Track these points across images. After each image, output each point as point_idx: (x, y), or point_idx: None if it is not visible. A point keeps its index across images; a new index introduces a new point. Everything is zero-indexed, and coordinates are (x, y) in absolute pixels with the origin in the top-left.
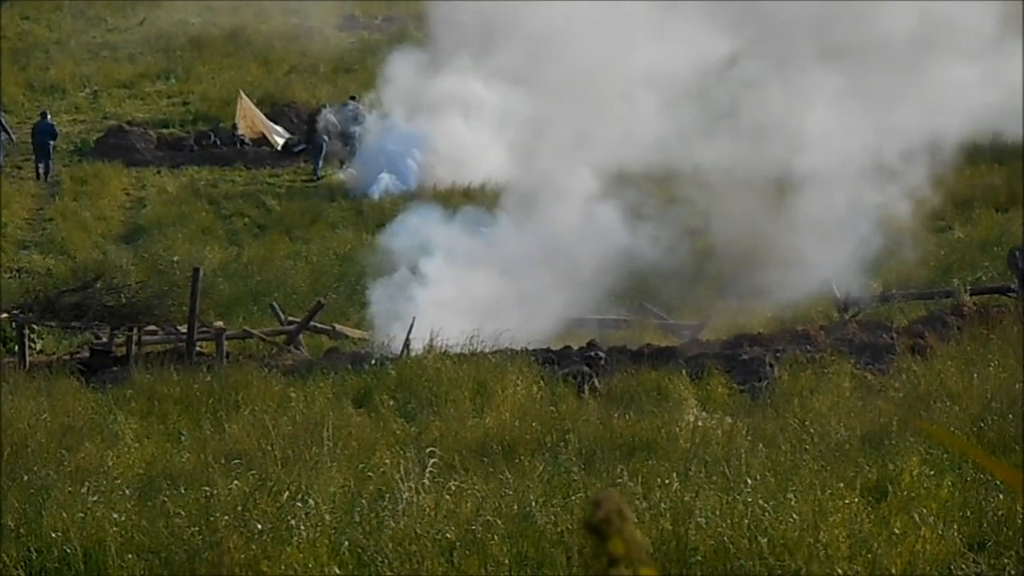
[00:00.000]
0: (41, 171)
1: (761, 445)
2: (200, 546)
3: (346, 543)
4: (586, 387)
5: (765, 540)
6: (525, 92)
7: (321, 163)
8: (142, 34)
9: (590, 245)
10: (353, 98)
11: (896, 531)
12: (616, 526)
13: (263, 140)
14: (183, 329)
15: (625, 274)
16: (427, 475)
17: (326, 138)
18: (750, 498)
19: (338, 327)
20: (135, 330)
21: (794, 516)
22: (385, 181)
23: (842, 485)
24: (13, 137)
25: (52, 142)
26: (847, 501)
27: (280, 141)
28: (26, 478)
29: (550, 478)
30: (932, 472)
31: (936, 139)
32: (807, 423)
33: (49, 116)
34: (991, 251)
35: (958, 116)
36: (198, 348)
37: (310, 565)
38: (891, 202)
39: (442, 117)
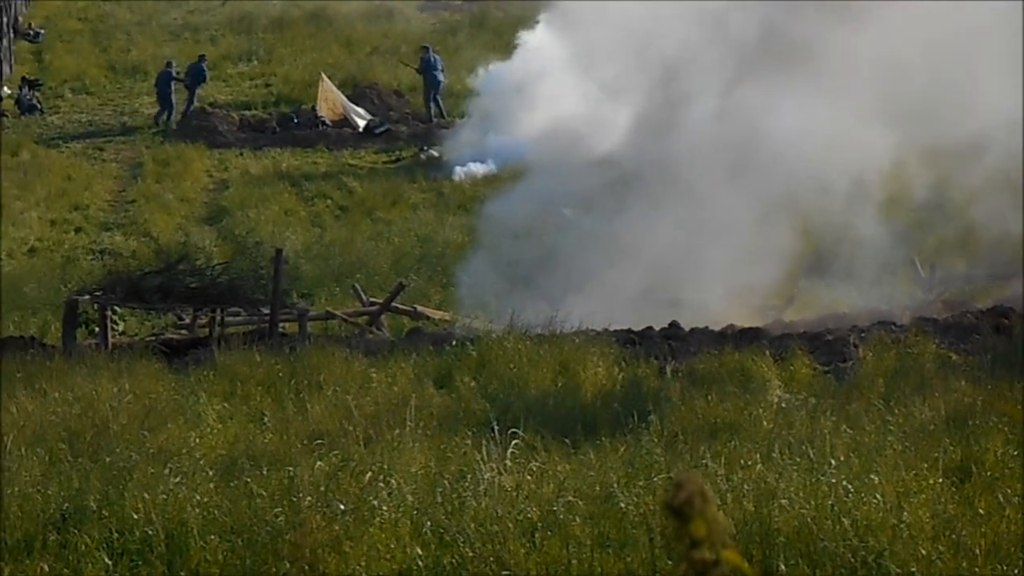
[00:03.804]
0: (186, 108)
1: (845, 426)
2: (283, 527)
3: (428, 523)
4: (668, 368)
5: (848, 521)
6: None
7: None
8: (224, 15)
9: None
10: (426, 48)
11: (980, 511)
12: (698, 508)
13: (344, 122)
14: (266, 310)
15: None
16: (508, 456)
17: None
18: (834, 479)
19: (420, 308)
20: (218, 311)
21: (878, 497)
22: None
23: (926, 466)
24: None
25: (201, 84)
26: (931, 482)
27: (361, 123)
28: (108, 460)
29: (632, 459)
30: (1016, 452)
31: None
32: (891, 404)
33: (205, 62)
34: None
35: None
36: (281, 329)
37: (392, 545)
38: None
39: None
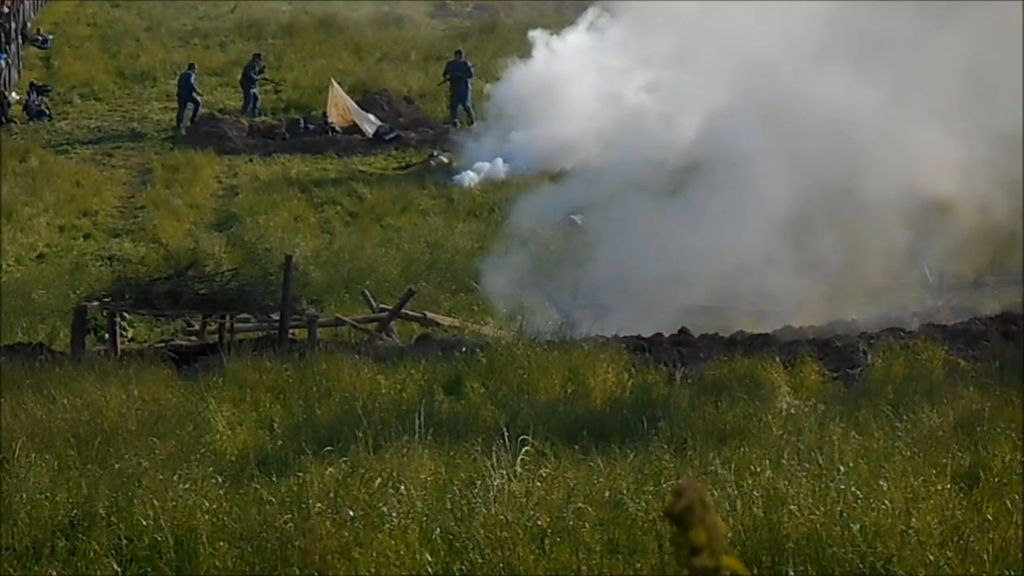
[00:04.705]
0: (250, 107)
1: (854, 432)
2: (292, 533)
3: (437, 530)
4: (677, 374)
5: (857, 527)
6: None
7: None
8: (233, 21)
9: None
10: (459, 52)
11: (988, 517)
12: (698, 515)
13: (354, 128)
14: (275, 317)
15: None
16: (518, 462)
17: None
18: (843, 485)
19: (429, 314)
20: (227, 318)
21: (886, 503)
22: (488, 168)
23: (934, 472)
24: (200, 99)
25: (254, 84)
26: (939, 488)
27: (371, 129)
28: (117, 466)
29: (641, 465)
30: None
31: None
32: (900, 410)
33: (259, 60)
34: None
35: None
36: (290, 335)
37: (402, 552)
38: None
39: None
